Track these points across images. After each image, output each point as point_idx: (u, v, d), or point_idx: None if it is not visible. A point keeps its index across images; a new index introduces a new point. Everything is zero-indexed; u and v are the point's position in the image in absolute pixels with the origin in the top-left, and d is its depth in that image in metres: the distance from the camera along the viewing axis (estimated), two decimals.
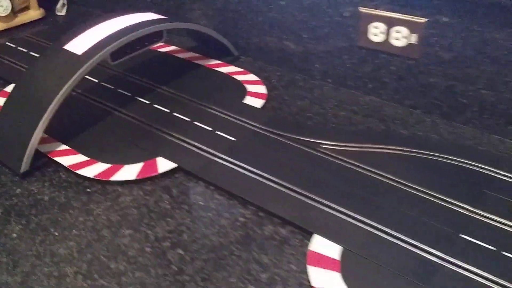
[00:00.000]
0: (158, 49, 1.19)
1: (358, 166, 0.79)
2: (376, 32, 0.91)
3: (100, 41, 0.87)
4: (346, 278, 0.60)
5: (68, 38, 0.89)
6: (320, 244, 0.65)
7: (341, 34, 0.98)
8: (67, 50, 0.86)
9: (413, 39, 0.87)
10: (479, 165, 0.78)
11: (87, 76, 0.89)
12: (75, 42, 0.88)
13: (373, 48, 0.94)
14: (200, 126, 0.90)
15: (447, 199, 0.71)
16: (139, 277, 0.62)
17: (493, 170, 0.77)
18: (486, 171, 0.77)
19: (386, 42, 0.91)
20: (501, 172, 0.76)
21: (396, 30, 0.88)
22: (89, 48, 0.86)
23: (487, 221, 0.68)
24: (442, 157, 0.80)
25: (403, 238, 0.65)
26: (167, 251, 0.66)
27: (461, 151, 0.81)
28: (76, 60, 0.84)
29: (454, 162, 0.79)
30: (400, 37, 0.89)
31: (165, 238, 0.68)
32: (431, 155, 0.81)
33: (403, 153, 0.82)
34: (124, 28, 0.91)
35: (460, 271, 0.60)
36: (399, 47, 0.90)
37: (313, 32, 1.02)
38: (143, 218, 0.72)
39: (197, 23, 1.12)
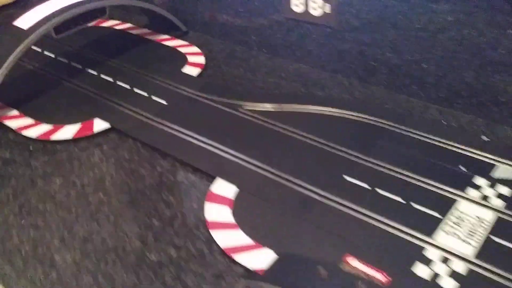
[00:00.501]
0: (114, 27, 1.28)
1: (271, 124, 0.87)
2: (297, 3, 0.99)
3: (44, 17, 0.97)
4: (235, 213, 0.70)
5: (18, 15, 0.99)
6: (219, 186, 0.74)
7: (272, 7, 1.06)
8: (15, 26, 0.96)
9: (327, 8, 0.96)
10: (380, 120, 0.86)
11: (46, 52, 0.99)
12: (23, 18, 0.98)
13: (296, 18, 1.02)
14: (138, 93, 0.99)
15: (340, 148, 0.80)
16: (62, 215, 0.72)
17: (391, 124, 0.85)
18: (383, 125, 0.85)
19: (306, 12, 0.99)
20: (397, 126, 0.85)
21: (313, 0, 0.97)
22: (34, 23, 0.95)
23: (370, 165, 0.77)
24: (347, 114, 0.89)
25: (292, 179, 0.74)
26: (89, 195, 0.76)
27: (367, 108, 0.90)
28: (22, 34, 0.94)
29: (356, 118, 0.87)
30: (317, 7, 0.97)
31: (89, 185, 0.78)
32: (338, 112, 0.89)
33: (314, 111, 0.90)
34: (69, 4, 1.00)
35: (337, 206, 0.70)
36: (317, 16, 0.98)
37: (247, 6, 1.10)
38: (73, 169, 0.81)
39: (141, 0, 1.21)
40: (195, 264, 0.64)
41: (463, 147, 0.79)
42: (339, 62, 1.01)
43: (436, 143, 0.80)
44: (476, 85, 0.86)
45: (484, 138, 0.81)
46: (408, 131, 0.83)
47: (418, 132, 0.82)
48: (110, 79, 1.04)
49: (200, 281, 0.61)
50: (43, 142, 0.88)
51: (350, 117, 0.88)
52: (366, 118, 0.87)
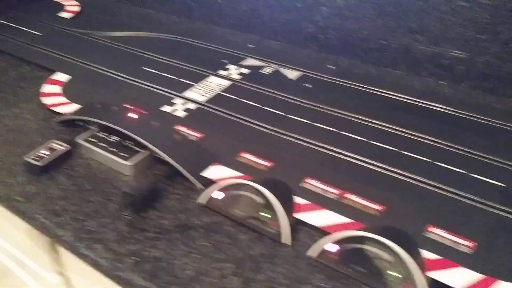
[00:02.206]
0: None
1: (119, 45, 1.21)
2: None
3: None
4: (64, 91, 1.03)
5: None
6: (58, 75, 1.08)
7: None
8: None
9: None
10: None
11: None
12: None
13: None
14: (18, 28, 1.31)
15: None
16: None
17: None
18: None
19: None
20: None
21: None
22: None
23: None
24: (166, 36, 1.23)
25: (112, 72, 1.08)
26: None
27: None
28: None
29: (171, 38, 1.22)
30: None
31: None
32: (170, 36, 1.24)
33: (151, 36, 1.25)
34: None
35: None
36: None
37: None
38: None
39: None
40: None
41: (227, 49, 1.16)
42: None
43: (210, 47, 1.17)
44: None
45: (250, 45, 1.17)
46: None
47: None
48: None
49: None
50: None
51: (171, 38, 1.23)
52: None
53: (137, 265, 0.61)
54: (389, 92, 0.98)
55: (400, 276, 0.58)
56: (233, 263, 0.61)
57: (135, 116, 0.84)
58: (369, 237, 0.59)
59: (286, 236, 0.64)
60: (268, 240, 0.65)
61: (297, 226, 0.66)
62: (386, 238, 0.59)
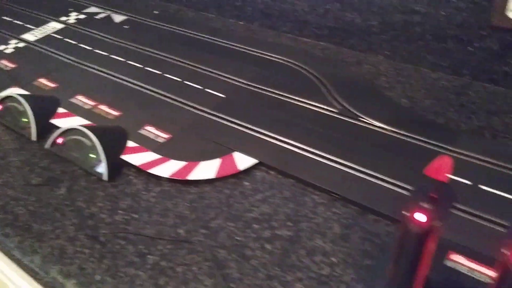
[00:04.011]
0: None
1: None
2: None
3: None
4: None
5: None
6: None
7: None
8: None
9: None
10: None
11: None
12: None
13: None
14: None
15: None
16: None
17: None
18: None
19: None
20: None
21: None
22: None
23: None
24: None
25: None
26: None
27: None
28: None
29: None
30: None
31: None
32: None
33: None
34: None
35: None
36: None
37: None
38: None
39: None
40: None
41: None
42: None
43: None
44: None
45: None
46: None
47: None
48: None
49: None
50: None
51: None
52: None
53: None
54: (193, 32, 1.16)
55: (94, 156, 0.77)
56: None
57: None
58: (80, 130, 0.79)
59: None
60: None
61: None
62: (93, 132, 0.78)
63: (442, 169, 0.45)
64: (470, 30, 0.86)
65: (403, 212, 0.46)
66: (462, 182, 0.70)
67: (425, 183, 0.47)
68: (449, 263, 0.59)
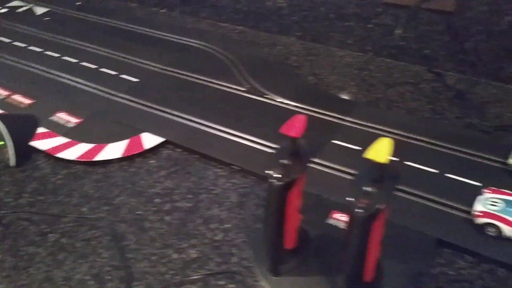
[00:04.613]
0: None
1: None
2: None
3: None
4: None
5: None
6: None
7: None
8: None
9: None
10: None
11: None
12: None
13: None
14: None
15: None
16: None
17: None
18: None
19: None
20: None
21: None
22: None
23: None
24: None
25: None
26: None
27: None
28: None
29: None
30: None
31: None
32: None
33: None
34: None
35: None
36: None
37: None
38: None
39: None
40: None
41: None
42: None
43: None
44: None
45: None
46: None
47: None
48: None
49: None
50: None
51: None
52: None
53: None
54: (115, 21, 1.16)
55: (2, 143, 0.77)
56: None
57: None
58: None
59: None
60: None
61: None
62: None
63: (296, 126, 0.48)
64: (367, 7, 0.91)
65: (266, 171, 0.50)
66: (351, 148, 0.74)
67: (284, 142, 0.50)
68: (331, 221, 0.63)
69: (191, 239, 0.63)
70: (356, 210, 0.45)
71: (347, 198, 0.46)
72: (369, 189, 0.46)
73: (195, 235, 0.64)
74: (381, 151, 0.45)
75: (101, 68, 0.98)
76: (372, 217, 0.46)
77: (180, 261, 0.60)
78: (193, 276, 0.58)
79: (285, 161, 0.49)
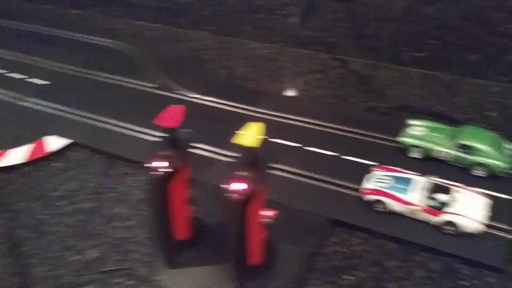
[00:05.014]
0: None
1: None
2: None
3: None
4: None
5: None
6: None
7: None
8: None
9: None
10: None
11: None
12: None
13: None
14: None
15: None
16: None
17: None
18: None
19: None
20: None
21: None
22: None
23: None
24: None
25: None
26: None
27: None
28: None
29: None
30: None
31: None
32: None
33: None
34: None
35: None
36: None
37: None
38: None
39: None
40: None
41: None
42: None
43: None
44: None
45: None
46: None
47: None
48: None
49: None
50: None
51: None
52: None
53: None
54: (27, 24, 1.13)
55: None
56: None
57: None
58: None
59: None
60: None
61: None
62: None
63: (172, 117, 0.49)
64: None
65: (144, 164, 0.50)
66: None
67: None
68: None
69: (91, 239, 0.63)
70: (228, 195, 0.46)
71: (220, 185, 0.47)
72: (165, 153, 0.47)
73: (96, 235, 0.63)
74: (250, 135, 0.46)
75: (9, 73, 0.95)
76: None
77: (79, 263, 0.60)
78: (87, 275, 0.58)
79: (165, 153, 0.49)
